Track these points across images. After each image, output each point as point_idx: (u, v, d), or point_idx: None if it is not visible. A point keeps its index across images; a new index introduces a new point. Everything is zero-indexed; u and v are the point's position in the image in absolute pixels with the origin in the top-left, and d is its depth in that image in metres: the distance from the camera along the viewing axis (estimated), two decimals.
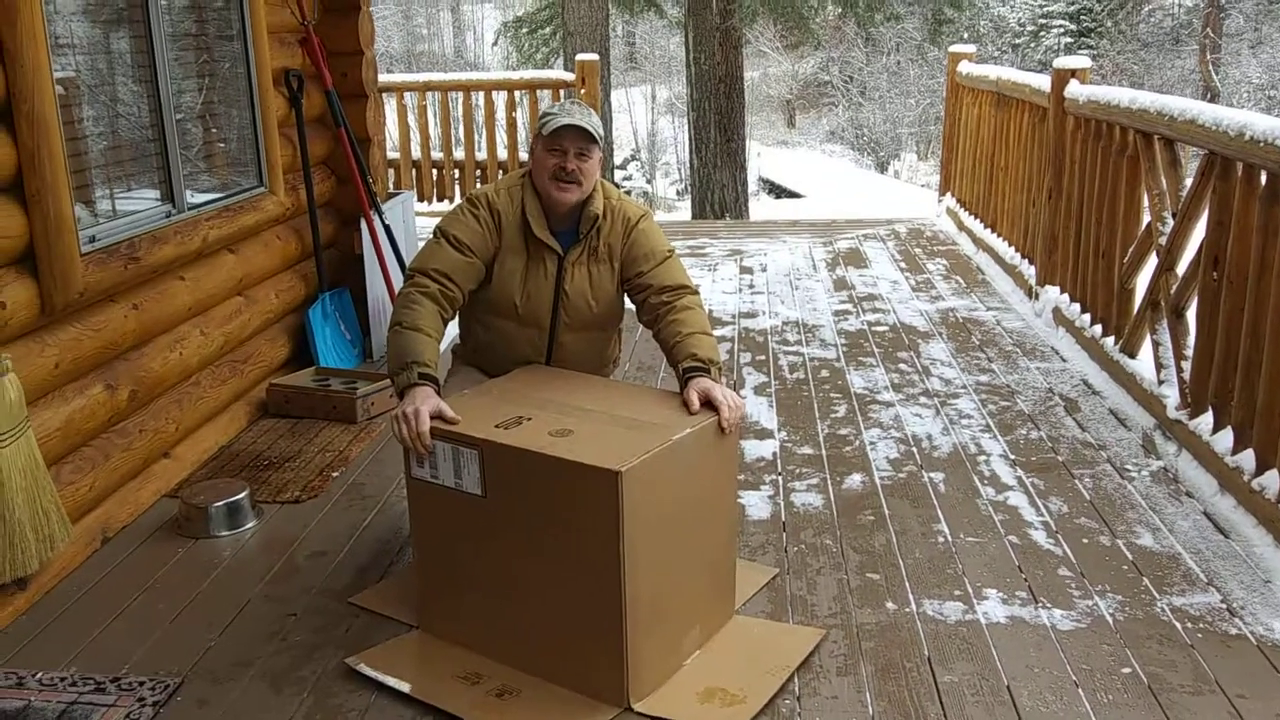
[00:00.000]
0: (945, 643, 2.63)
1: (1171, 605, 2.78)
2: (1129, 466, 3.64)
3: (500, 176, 3.90)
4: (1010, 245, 6.30)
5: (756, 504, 3.42)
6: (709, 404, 2.54)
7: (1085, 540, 3.14)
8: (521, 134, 8.01)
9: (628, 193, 5.53)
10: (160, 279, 3.53)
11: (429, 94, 8.47)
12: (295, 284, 4.53)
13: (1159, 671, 2.50)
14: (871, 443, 3.90)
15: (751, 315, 5.69)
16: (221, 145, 4.14)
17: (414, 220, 5.48)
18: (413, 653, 2.62)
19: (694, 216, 12.45)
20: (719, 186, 12.05)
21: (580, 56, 7.99)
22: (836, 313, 5.68)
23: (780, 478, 3.62)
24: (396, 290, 4.56)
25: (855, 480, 3.58)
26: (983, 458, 3.74)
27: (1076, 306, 4.98)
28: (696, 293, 2.83)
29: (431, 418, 2.46)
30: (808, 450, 3.85)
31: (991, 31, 22.75)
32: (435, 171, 8.10)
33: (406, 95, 8.01)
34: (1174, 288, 3.88)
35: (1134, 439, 3.87)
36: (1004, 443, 3.87)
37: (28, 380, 2.77)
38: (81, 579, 2.99)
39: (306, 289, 4.61)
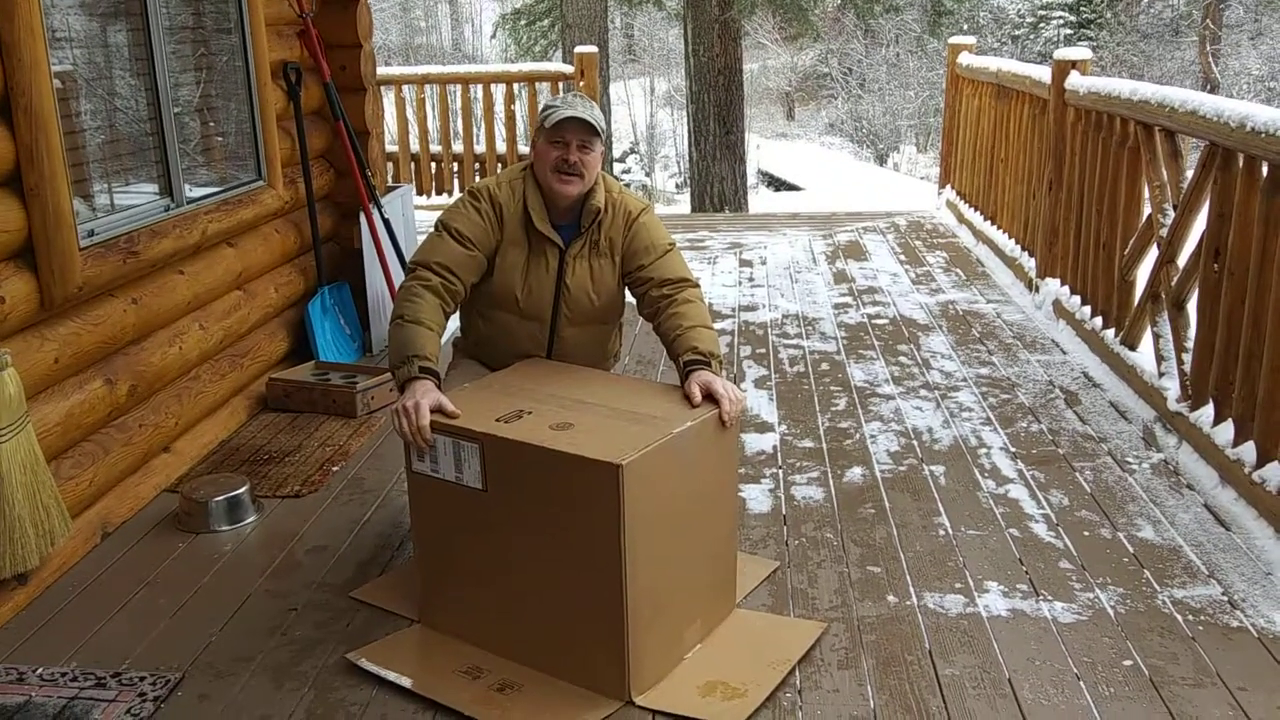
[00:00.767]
0: (946, 635, 2.63)
1: (1172, 598, 2.78)
2: (1130, 459, 3.64)
3: (499, 169, 3.88)
4: (1010, 237, 6.29)
5: (757, 497, 3.42)
6: (710, 397, 2.54)
7: (1086, 533, 3.13)
8: (520, 127, 8.00)
9: (627, 185, 5.52)
10: (159, 273, 3.52)
11: (427, 87, 8.46)
12: (294, 278, 4.52)
13: (1160, 664, 2.50)
14: (872, 436, 3.90)
15: (751, 308, 5.68)
16: (220, 139, 4.13)
17: (413, 214, 5.47)
18: (414, 647, 2.62)
19: (693, 210, 12.43)
20: (718, 179, 12.03)
21: (579, 49, 7.96)
22: (836, 306, 5.68)
23: (781, 471, 3.62)
24: (396, 284, 4.55)
25: (856, 473, 3.58)
26: (983, 450, 3.74)
27: (1077, 299, 4.97)
28: (697, 286, 2.83)
29: (432, 411, 2.45)
30: (808, 443, 3.85)
31: (991, 23, 22.72)
32: (434, 165, 8.09)
33: (405, 88, 8.00)
34: (1175, 280, 3.87)
35: (1135, 431, 3.87)
36: (1004, 435, 3.87)
37: (27, 375, 2.77)
38: (82, 574, 2.99)
39: (306, 283, 4.60)
